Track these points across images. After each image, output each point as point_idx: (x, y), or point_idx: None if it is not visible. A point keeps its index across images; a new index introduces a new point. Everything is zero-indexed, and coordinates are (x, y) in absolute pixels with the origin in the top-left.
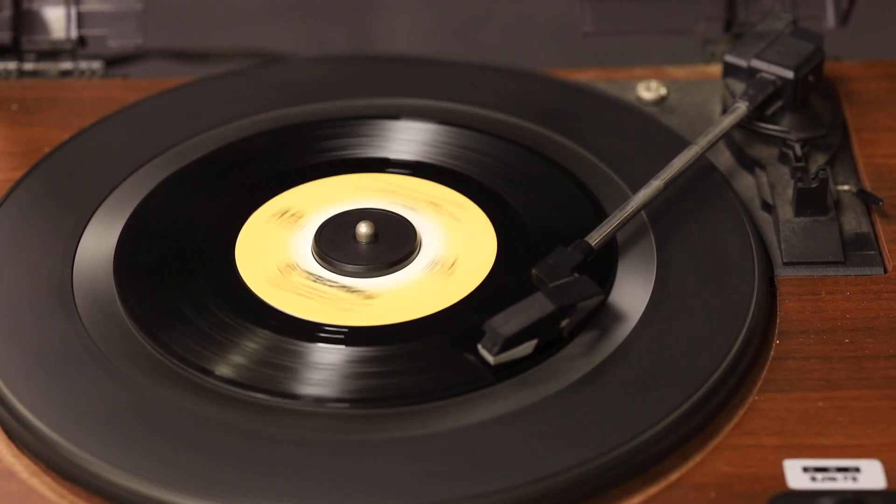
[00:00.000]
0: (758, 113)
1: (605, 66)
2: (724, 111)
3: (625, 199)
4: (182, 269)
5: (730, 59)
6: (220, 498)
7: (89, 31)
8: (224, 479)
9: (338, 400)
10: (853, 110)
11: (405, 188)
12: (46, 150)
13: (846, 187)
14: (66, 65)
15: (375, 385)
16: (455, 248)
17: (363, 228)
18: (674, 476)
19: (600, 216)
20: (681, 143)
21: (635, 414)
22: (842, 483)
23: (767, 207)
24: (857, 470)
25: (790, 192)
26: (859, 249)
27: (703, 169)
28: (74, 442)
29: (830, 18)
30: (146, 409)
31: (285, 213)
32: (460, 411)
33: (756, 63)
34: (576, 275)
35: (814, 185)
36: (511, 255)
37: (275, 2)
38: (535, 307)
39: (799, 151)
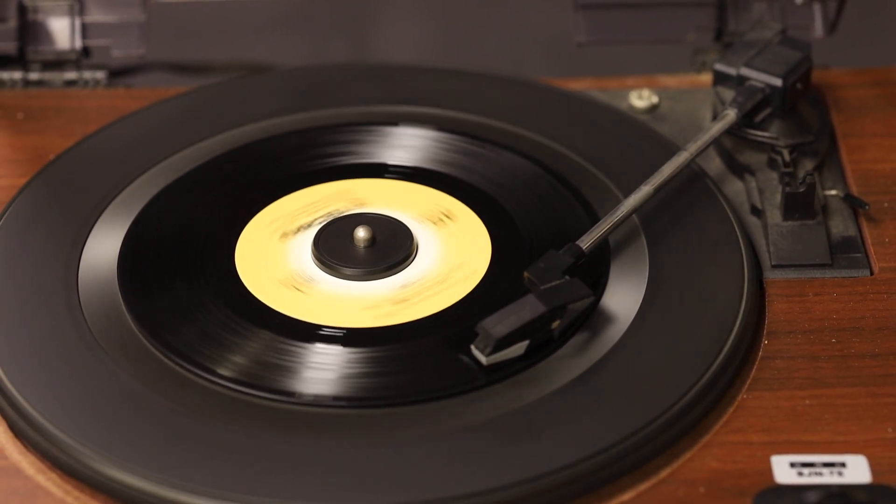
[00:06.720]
0: (747, 120)
1: (598, 76)
2: (715, 118)
3: (617, 204)
4: (184, 273)
5: (720, 67)
6: (223, 495)
7: (93, 42)
8: (226, 477)
9: (334, 399)
10: (840, 117)
11: (402, 193)
12: (51, 157)
13: (833, 192)
14: (71, 74)
15: (370, 385)
16: (451, 251)
17: (361, 232)
18: (664, 472)
19: (593, 221)
20: (672, 150)
21: (627, 414)
22: (828, 478)
23: (756, 212)
24: (842, 465)
25: (779, 196)
26: (846, 252)
27: (694, 174)
28: (79, 440)
29: (818, 28)
30: (150, 408)
31: (285, 217)
32: (454, 411)
33: (745, 71)
34: (567, 277)
35: (801, 190)
36: (505, 259)
37: (275, 15)
38: (526, 309)
39: (787, 157)
